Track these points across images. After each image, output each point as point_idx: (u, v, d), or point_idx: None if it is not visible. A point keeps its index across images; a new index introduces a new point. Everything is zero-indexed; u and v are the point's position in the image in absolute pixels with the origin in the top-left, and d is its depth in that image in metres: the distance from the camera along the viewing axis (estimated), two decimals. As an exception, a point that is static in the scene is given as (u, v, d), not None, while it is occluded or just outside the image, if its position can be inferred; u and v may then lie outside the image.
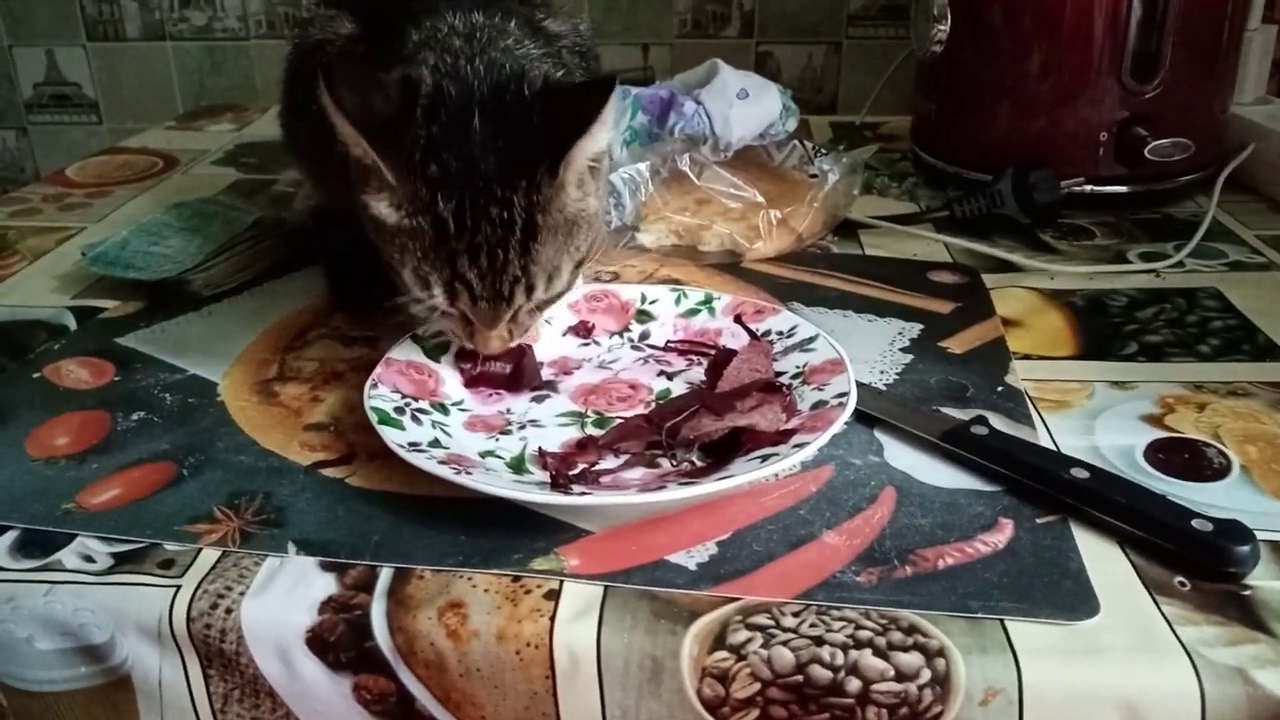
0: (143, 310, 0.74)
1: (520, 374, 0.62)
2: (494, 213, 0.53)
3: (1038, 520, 0.50)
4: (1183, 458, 0.55)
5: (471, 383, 0.62)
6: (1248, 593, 0.45)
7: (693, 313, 0.68)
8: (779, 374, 0.60)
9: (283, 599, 0.47)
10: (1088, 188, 0.87)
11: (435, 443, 0.55)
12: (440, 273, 0.54)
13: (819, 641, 0.43)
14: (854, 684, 0.43)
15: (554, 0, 0.73)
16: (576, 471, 0.54)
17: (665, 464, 0.55)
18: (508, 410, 0.60)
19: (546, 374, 0.64)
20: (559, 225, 0.55)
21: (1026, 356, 0.65)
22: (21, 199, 1.00)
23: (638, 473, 0.54)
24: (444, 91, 0.55)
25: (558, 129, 0.53)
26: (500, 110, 0.54)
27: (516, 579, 0.47)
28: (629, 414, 0.59)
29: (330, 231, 0.76)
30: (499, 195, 0.53)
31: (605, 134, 0.55)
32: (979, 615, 0.44)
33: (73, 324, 0.73)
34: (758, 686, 0.43)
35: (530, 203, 0.53)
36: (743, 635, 0.44)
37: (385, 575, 0.48)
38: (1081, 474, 0.50)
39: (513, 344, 0.59)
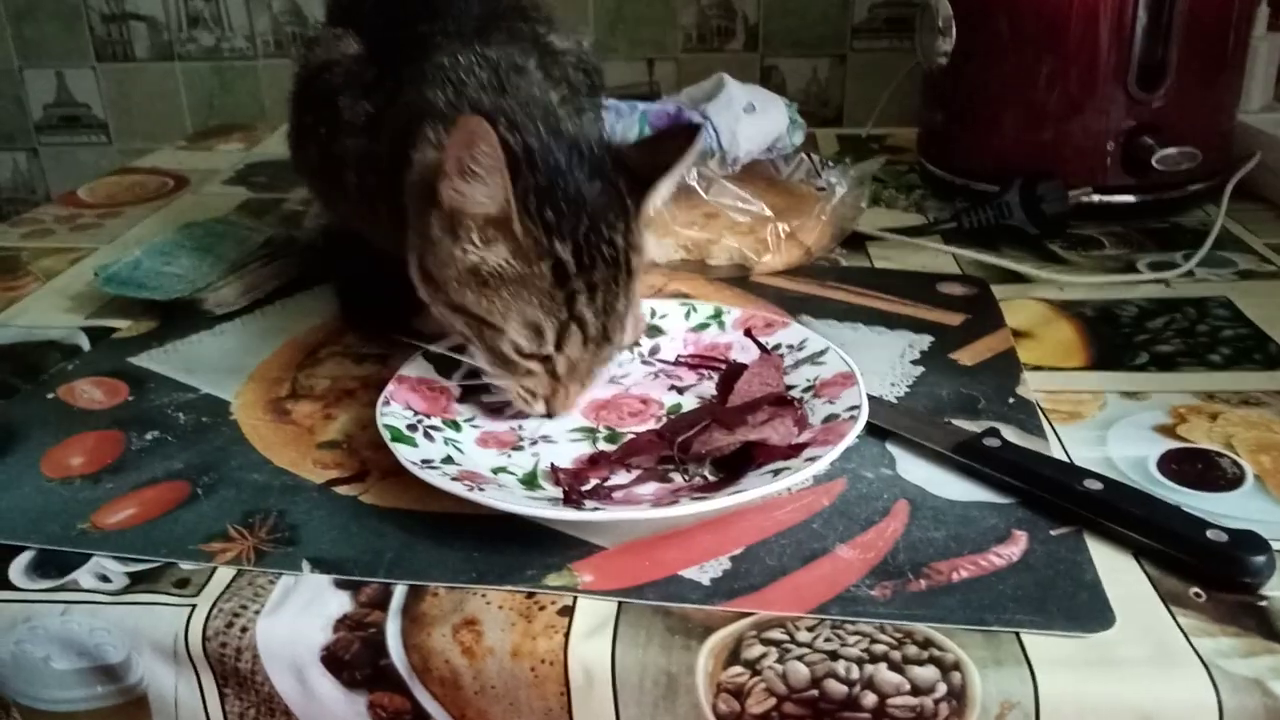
0: (155, 330, 0.75)
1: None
2: (605, 251, 0.54)
3: (1052, 532, 0.50)
4: (1196, 468, 0.55)
5: (465, 399, 0.61)
6: (1264, 603, 0.45)
7: (702, 327, 0.68)
8: (790, 387, 0.60)
9: (298, 617, 0.47)
10: (1096, 198, 0.87)
11: (448, 459, 0.55)
12: (556, 316, 0.54)
13: (834, 656, 0.43)
14: (870, 698, 0.42)
15: (556, 15, 0.73)
16: (589, 487, 0.54)
17: (677, 479, 0.55)
18: (519, 426, 0.61)
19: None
20: (641, 266, 0.57)
21: (1037, 368, 0.65)
22: (34, 220, 1.01)
23: (650, 488, 0.54)
24: (527, 144, 0.55)
25: (641, 169, 0.56)
26: (583, 157, 0.56)
27: (530, 595, 0.47)
28: (640, 429, 0.59)
29: (341, 250, 0.77)
30: (606, 235, 0.54)
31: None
32: (994, 628, 0.44)
33: (86, 344, 0.74)
34: (773, 701, 0.43)
35: (627, 243, 0.55)
36: (757, 650, 0.44)
37: (399, 593, 0.48)
38: (1095, 485, 0.50)
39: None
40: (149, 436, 0.61)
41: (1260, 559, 0.46)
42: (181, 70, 1.53)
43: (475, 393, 0.61)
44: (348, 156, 0.64)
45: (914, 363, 0.66)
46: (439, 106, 0.59)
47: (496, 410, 0.60)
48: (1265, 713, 0.41)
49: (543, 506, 0.51)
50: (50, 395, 0.67)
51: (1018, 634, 0.44)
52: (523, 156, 0.54)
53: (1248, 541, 0.46)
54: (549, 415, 0.58)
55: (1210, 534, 0.47)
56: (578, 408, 0.60)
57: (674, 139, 0.58)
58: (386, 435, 0.55)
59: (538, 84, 0.61)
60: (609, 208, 0.55)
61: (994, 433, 0.55)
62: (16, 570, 0.51)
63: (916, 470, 0.55)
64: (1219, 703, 0.41)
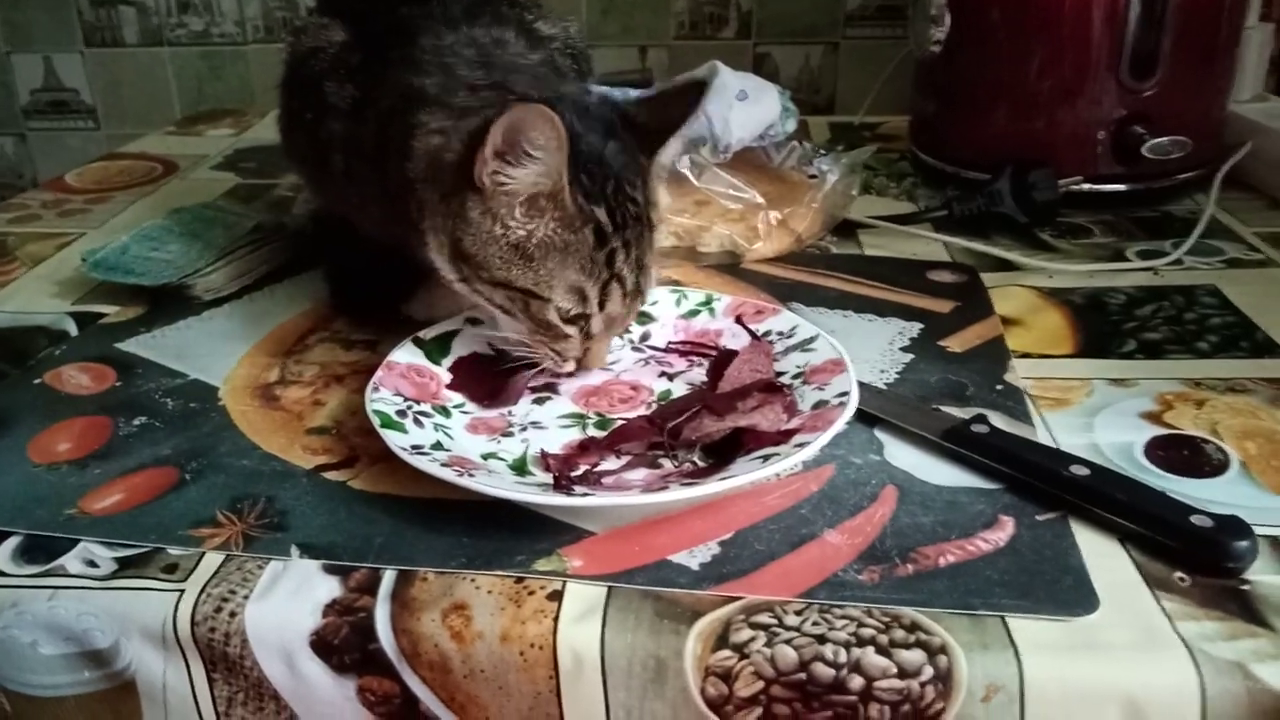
0: (143, 315, 0.75)
1: (509, 391, 0.61)
2: (631, 209, 0.56)
3: (1038, 517, 0.50)
4: (1182, 454, 0.55)
5: (454, 385, 0.62)
6: (1247, 587, 0.45)
7: (693, 314, 0.68)
8: (780, 374, 0.60)
9: (286, 602, 0.47)
10: (1086, 186, 0.88)
11: (437, 445, 0.55)
12: (598, 277, 0.56)
13: (821, 640, 0.44)
14: (857, 681, 0.43)
15: (545, 1, 0.73)
16: (579, 473, 0.54)
17: (667, 465, 0.55)
18: (509, 412, 0.61)
19: (548, 375, 0.64)
20: (658, 220, 0.59)
21: (1026, 355, 0.66)
22: (21, 205, 1.00)
23: (640, 473, 0.54)
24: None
25: (651, 126, 0.57)
26: (593, 118, 0.57)
27: (520, 580, 0.47)
28: (630, 415, 0.59)
29: (330, 235, 0.76)
30: (629, 193, 0.56)
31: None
32: (980, 612, 0.44)
33: (73, 330, 0.73)
34: (761, 685, 0.43)
35: (645, 198, 0.57)
36: (746, 634, 0.44)
37: (389, 578, 0.48)
38: (1081, 471, 0.50)
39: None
40: (137, 422, 0.61)
41: (1244, 544, 0.46)
42: (170, 55, 1.52)
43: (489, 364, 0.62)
44: (334, 141, 0.64)
45: (903, 349, 0.66)
46: (431, 92, 0.58)
47: (509, 376, 0.61)
48: (1247, 695, 0.41)
49: (532, 492, 0.52)
50: (37, 381, 0.66)
51: (1004, 618, 0.44)
52: None
53: (1232, 527, 0.47)
54: (582, 369, 0.60)
55: (1195, 519, 0.47)
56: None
57: (682, 95, 0.59)
58: (376, 421, 0.55)
59: (520, 53, 0.62)
60: (628, 166, 0.57)
61: (982, 419, 0.56)
62: (3, 556, 0.51)
63: (905, 456, 0.55)
64: (1201, 686, 0.41)
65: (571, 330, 0.58)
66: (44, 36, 1.53)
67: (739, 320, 0.66)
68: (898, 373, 0.64)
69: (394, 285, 0.66)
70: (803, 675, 0.43)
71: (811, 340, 0.62)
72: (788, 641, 0.44)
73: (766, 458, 0.52)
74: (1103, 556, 0.48)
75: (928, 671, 0.42)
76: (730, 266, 0.80)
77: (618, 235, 0.56)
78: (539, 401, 0.62)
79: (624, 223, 0.56)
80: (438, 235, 0.57)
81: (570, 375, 0.60)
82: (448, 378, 0.62)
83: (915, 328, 0.69)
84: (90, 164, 1.14)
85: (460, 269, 0.57)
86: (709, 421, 0.55)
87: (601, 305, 0.57)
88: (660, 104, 0.60)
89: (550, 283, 0.56)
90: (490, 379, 0.61)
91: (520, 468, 0.55)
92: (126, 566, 0.50)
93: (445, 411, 0.60)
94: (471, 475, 0.51)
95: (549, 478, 0.53)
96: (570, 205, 0.54)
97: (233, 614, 0.47)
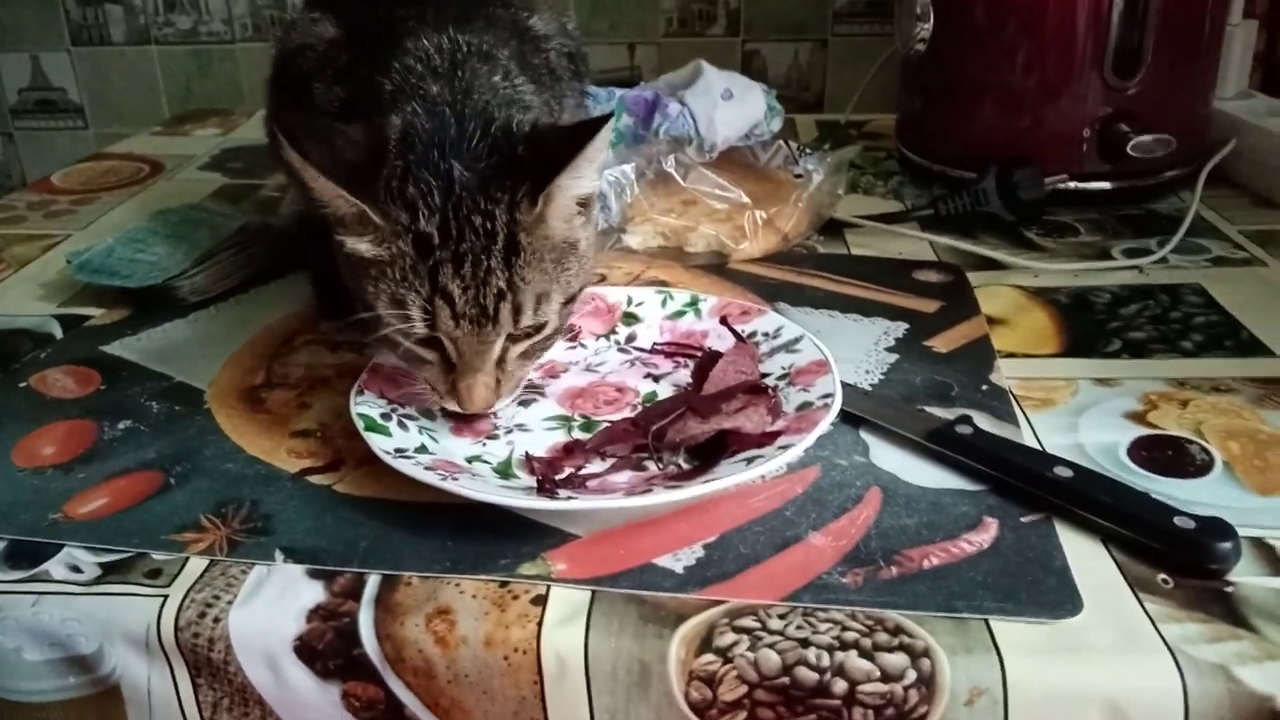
0: (129, 318, 0.74)
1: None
2: (477, 222, 0.51)
3: (1022, 519, 0.50)
4: (1166, 454, 0.55)
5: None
6: (1230, 589, 0.46)
7: (679, 315, 0.68)
8: (764, 375, 0.60)
9: (270, 607, 0.47)
10: (1072, 184, 0.88)
11: (422, 448, 0.55)
12: (419, 292, 0.51)
13: (805, 643, 0.44)
14: (840, 685, 0.43)
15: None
16: (563, 476, 0.54)
17: (652, 467, 0.55)
18: (495, 414, 0.60)
19: (533, 376, 0.64)
20: (544, 249, 0.53)
21: (1011, 355, 0.66)
22: (7, 206, 1.00)
23: (624, 476, 0.54)
24: (417, 127, 0.54)
25: (541, 162, 0.52)
26: (483, 140, 0.53)
27: (504, 584, 0.47)
28: (616, 417, 0.59)
29: (316, 237, 0.76)
30: (481, 206, 0.51)
31: (592, 175, 0.53)
32: (964, 615, 0.44)
33: (59, 332, 0.73)
34: (745, 689, 0.43)
35: (511, 219, 0.52)
36: (729, 638, 0.44)
37: (373, 582, 0.48)
38: (1065, 472, 0.51)
39: (500, 402, 0.56)
40: (121, 426, 0.61)
41: (1227, 545, 0.46)
42: (158, 54, 1.51)
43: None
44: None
45: (889, 350, 0.66)
46: (385, 95, 0.57)
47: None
48: (1229, 698, 0.41)
49: (516, 496, 0.52)
50: (22, 384, 0.66)
51: (987, 621, 0.44)
52: (398, 140, 0.53)
53: (1215, 528, 0.47)
54: (461, 409, 0.55)
55: (1178, 521, 0.47)
56: (497, 406, 0.56)
57: (578, 133, 0.52)
58: (360, 425, 0.55)
59: (501, 70, 0.60)
60: (491, 182, 0.52)
61: (966, 420, 0.56)
62: (-13, 561, 0.51)
63: (889, 457, 0.55)
64: (1184, 688, 0.41)
65: (427, 355, 0.54)
66: (31, 35, 1.52)
67: (724, 321, 0.66)
68: (883, 373, 0.64)
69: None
70: (786, 679, 0.43)
71: (796, 341, 0.62)
72: (771, 645, 0.44)
73: (751, 460, 0.52)
74: (1086, 558, 0.48)
75: (911, 675, 0.43)
76: (717, 266, 0.80)
77: (447, 249, 0.51)
78: (524, 404, 0.61)
79: (459, 237, 0.51)
80: None
81: (463, 413, 0.56)
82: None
83: (901, 327, 0.69)
84: (76, 164, 1.13)
85: None
86: (693, 424, 0.55)
87: (431, 325, 0.52)
88: (557, 137, 0.54)
89: (376, 295, 0.52)
90: None
91: (505, 471, 0.55)
92: (110, 572, 0.50)
93: (430, 414, 0.59)
94: (455, 479, 0.51)
95: (533, 481, 0.53)
96: (379, 220, 0.51)
97: (216, 619, 0.47)
